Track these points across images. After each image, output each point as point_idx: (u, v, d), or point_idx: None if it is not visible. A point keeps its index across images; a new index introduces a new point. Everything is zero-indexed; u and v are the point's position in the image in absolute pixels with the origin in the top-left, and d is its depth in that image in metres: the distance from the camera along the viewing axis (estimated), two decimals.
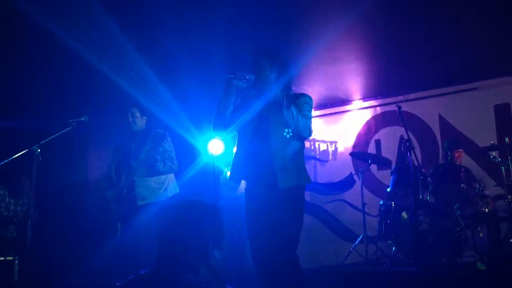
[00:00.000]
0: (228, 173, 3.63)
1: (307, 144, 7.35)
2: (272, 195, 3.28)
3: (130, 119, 4.69)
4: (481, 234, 5.44)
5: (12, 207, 6.14)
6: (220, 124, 3.43)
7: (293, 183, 3.30)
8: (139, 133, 4.72)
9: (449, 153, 6.09)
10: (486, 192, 5.56)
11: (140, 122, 4.75)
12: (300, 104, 3.41)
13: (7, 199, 6.12)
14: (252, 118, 3.41)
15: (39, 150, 4.11)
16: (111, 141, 5.11)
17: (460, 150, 6.07)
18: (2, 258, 5.00)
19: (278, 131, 3.32)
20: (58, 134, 4.42)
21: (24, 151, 4.15)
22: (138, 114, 4.73)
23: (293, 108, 3.24)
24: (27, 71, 6.02)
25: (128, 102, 4.84)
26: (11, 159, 4.24)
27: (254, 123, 3.41)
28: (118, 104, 5.11)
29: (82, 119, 4.50)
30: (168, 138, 4.69)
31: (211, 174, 6.51)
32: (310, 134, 3.38)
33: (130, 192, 4.46)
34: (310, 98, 3.50)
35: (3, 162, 4.20)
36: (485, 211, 5.32)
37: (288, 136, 3.30)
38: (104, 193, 4.62)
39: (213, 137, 6.51)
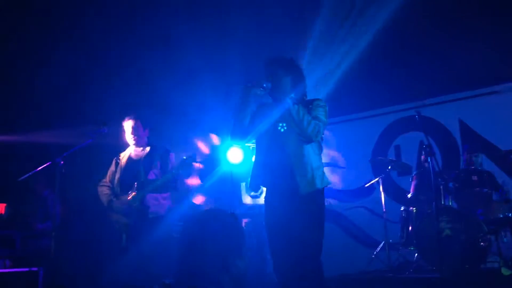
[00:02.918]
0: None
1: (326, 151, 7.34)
2: (292, 202, 3.28)
3: (132, 131, 4.71)
4: (505, 239, 5.36)
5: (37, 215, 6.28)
6: (239, 133, 3.46)
7: (313, 187, 3.30)
8: (143, 146, 4.76)
9: (467, 156, 6.02)
10: (509, 197, 5.48)
11: (144, 135, 4.77)
12: (313, 107, 3.42)
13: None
14: (269, 126, 3.43)
15: (62, 162, 4.17)
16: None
17: (476, 153, 5.99)
18: (27, 269, 5.06)
19: (295, 138, 3.32)
20: (80, 146, 4.48)
21: (47, 164, 4.21)
22: (140, 127, 4.75)
23: (300, 107, 3.24)
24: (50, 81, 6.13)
25: (131, 114, 4.83)
26: (34, 172, 4.32)
27: (271, 131, 3.43)
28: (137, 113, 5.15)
29: (102, 130, 4.56)
30: (173, 155, 4.76)
31: (230, 182, 6.53)
32: (316, 136, 3.29)
33: (141, 206, 4.49)
34: (323, 102, 3.50)
35: (27, 175, 4.28)
36: (509, 216, 5.24)
37: (282, 130, 3.32)
38: (111, 204, 4.61)
39: (232, 145, 6.54)
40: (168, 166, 4.69)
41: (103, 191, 4.71)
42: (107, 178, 4.77)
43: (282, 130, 3.40)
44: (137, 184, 4.54)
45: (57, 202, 4.29)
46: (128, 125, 4.72)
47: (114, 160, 4.81)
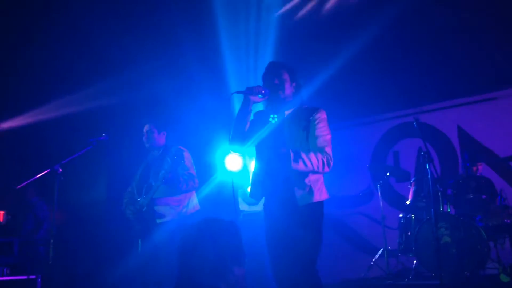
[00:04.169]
0: (249, 189, 3.63)
1: None
2: (290, 212, 3.26)
3: (145, 135, 4.72)
4: (504, 246, 5.36)
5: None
6: (237, 139, 3.42)
7: (311, 200, 3.28)
8: (159, 149, 4.74)
9: (468, 165, 6.02)
10: (508, 203, 5.49)
11: (158, 139, 4.75)
12: (314, 123, 3.37)
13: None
14: (269, 134, 3.41)
15: (60, 170, 4.17)
16: (131, 158, 5.15)
17: (480, 163, 6.00)
18: (25, 277, 5.05)
19: (295, 148, 3.31)
20: (79, 153, 4.48)
21: (46, 171, 4.21)
22: (154, 130, 4.74)
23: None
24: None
25: (145, 119, 4.85)
26: (33, 180, 4.31)
27: (271, 139, 3.40)
28: (137, 121, 5.17)
29: (102, 138, 4.57)
30: (187, 155, 4.68)
31: (229, 190, 6.51)
32: (329, 166, 3.28)
33: (149, 210, 4.47)
34: (324, 113, 3.44)
35: (26, 183, 4.28)
36: (508, 222, 5.25)
37: (273, 121, 3.31)
38: (125, 210, 4.64)
39: (230, 152, 6.54)
40: (178, 167, 4.57)
41: (125, 197, 4.74)
42: (132, 184, 4.79)
43: (274, 121, 3.37)
44: (145, 188, 4.53)
45: (55, 209, 4.27)
46: (144, 129, 4.75)
47: (139, 165, 4.85)
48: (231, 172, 6.51)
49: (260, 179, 3.43)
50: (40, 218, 6.75)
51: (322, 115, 3.42)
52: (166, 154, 4.61)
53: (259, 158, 3.49)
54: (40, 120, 6.47)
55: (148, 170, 4.66)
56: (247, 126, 3.41)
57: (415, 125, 5.04)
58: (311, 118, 3.38)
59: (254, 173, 3.50)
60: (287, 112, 3.43)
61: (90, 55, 5.96)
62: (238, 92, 3.36)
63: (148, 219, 4.46)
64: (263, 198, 3.50)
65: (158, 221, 4.46)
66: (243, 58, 5.90)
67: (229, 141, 3.47)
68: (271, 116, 3.38)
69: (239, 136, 3.41)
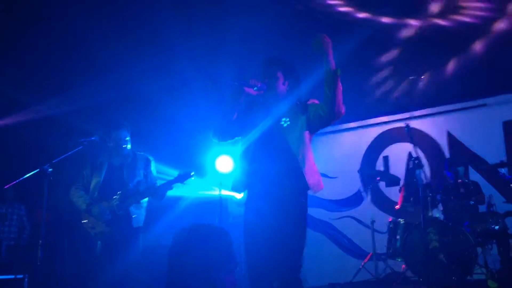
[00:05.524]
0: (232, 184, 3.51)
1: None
2: (287, 210, 3.16)
3: (127, 142, 4.61)
4: (491, 252, 5.40)
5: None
6: (224, 128, 3.36)
7: (318, 189, 3.27)
8: (127, 155, 4.65)
9: (447, 170, 6.05)
10: (496, 209, 5.53)
11: (129, 145, 4.69)
12: (311, 104, 3.32)
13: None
14: (266, 131, 3.30)
15: (50, 170, 4.12)
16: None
17: (454, 167, 6.01)
18: (12, 277, 5.01)
19: (299, 138, 3.25)
20: (69, 153, 4.43)
21: (35, 171, 4.17)
22: (129, 136, 4.67)
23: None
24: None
25: (122, 125, 4.76)
26: (22, 179, 4.27)
27: (265, 135, 3.29)
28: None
29: (93, 138, 4.52)
30: (154, 164, 4.71)
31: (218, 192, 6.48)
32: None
33: (126, 214, 4.40)
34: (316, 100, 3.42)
35: (15, 182, 4.24)
36: (495, 228, 5.29)
37: (285, 125, 3.27)
38: (90, 209, 4.42)
39: (221, 154, 6.52)
40: (149, 176, 4.63)
41: (80, 194, 4.54)
42: (81, 182, 4.61)
43: (285, 124, 3.29)
44: (122, 192, 4.44)
45: (44, 209, 4.22)
46: (117, 132, 4.65)
47: (89, 164, 4.65)
48: (221, 174, 6.48)
49: (251, 178, 3.30)
50: (23, 221, 6.78)
51: (315, 100, 3.38)
52: (138, 161, 4.59)
53: (253, 151, 3.34)
54: (28, 119, 6.44)
55: (117, 174, 4.56)
56: (235, 116, 3.32)
57: (406, 130, 5.07)
58: (308, 108, 3.32)
59: (244, 165, 3.37)
60: (282, 111, 3.34)
61: (81, 56, 5.93)
62: (234, 82, 3.28)
63: (124, 223, 4.38)
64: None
65: (135, 225, 4.41)
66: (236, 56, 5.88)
67: (214, 130, 3.40)
68: (283, 119, 3.30)
69: (226, 125, 3.34)
